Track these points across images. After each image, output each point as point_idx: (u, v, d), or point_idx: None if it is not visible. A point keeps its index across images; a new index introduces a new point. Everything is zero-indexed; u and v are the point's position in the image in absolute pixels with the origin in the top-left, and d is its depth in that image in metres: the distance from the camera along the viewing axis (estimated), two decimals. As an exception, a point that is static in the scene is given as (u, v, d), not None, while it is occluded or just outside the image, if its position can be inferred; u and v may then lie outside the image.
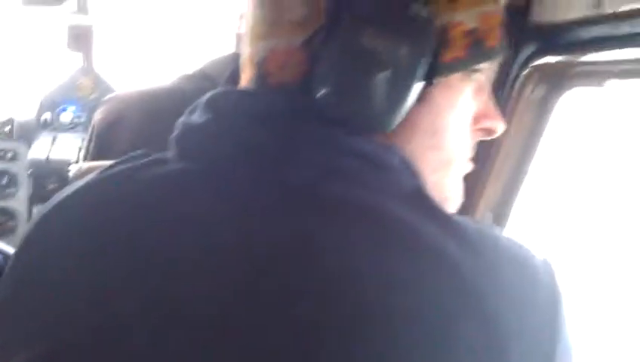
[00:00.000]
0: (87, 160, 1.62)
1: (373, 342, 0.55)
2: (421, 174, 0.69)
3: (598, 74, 1.09)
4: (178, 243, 0.61)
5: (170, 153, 0.69)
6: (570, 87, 1.17)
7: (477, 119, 0.73)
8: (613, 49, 0.95)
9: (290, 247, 0.58)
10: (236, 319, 0.56)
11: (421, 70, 0.63)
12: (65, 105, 3.14)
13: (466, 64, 0.68)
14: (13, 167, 2.97)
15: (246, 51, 0.70)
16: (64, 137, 3.03)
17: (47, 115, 3.08)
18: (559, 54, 1.12)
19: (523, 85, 1.20)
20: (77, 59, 3.15)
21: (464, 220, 0.63)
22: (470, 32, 0.67)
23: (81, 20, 2.96)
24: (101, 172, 0.71)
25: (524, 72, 1.18)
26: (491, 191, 1.33)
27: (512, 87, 1.21)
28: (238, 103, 0.68)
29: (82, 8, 3.00)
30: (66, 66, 3.20)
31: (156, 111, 1.48)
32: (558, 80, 1.17)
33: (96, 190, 0.68)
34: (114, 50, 3.25)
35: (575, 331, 0.64)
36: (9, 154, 2.99)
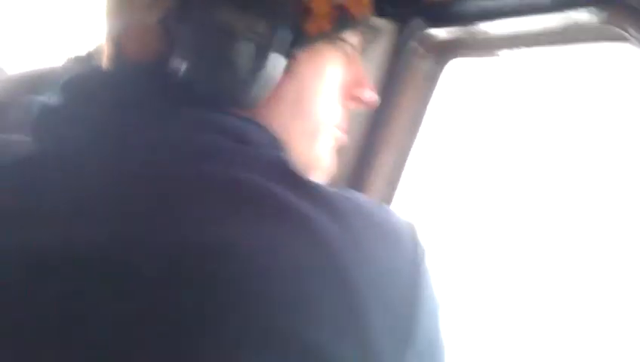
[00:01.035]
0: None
1: (233, 305, 0.54)
2: (287, 144, 0.70)
3: (480, 45, 1.16)
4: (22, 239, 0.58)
5: (28, 136, 0.66)
6: (454, 58, 1.24)
7: (346, 88, 0.75)
8: (491, 20, 1.02)
9: (153, 229, 0.57)
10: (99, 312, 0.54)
11: (281, 42, 0.65)
12: None
13: (330, 35, 0.70)
14: None
15: (104, 28, 0.69)
16: None
17: None
18: (443, 26, 1.18)
19: (409, 57, 1.25)
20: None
21: (328, 188, 0.64)
22: (338, 5, 0.69)
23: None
24: None
25: (411, 45, 1.24)
26: (383, 162, 1.38)
27: (399, 59, 1.26)
28: (93, 86, 0.66)
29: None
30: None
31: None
32: (442, 51, 1.24)
33: None
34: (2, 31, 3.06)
35: (441, 287, 0.66)
36: None
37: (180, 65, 0.63)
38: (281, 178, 0.62)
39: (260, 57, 0.63)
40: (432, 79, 1.28)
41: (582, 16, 0.86)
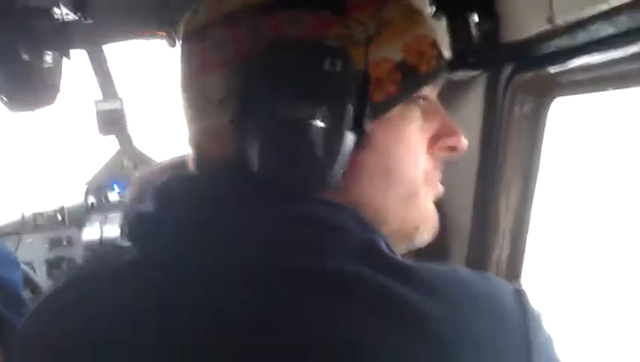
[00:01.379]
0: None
1: None
2: (385, 215, 0.69)
3: (577, 82, 1.07)
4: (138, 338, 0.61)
5: (127, 243, 0.70)
6: (553, 98, 1.16)
7: (435, 140, 0.72)
8: (573, 59, 0.94)
9: (256, 325, 0.58)
10: None
11: (348, 120, 0.64)
12: (111, 186, 3.25)
13: (400, 98, 0.68)
14: (69, 253, 3.09)
15: (187, 134, 0.73)
16: (113, 217, 3.14)
17: (92, 199, 3.20)
18: (536, 69, 1.11)
19: (510, 105, 1.19)
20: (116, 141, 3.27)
21: (422, 264, 0.62)
22: (398, 65, 0.67)
23: (108, 105, 3.07)
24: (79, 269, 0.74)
25: (508, 92, 1.18)
26: (502, 212, 1.32)
27: (501, 109, 1.20)
28: (182, 188, 0.69)
29: (109, 93, 3.12)
30: (108, 148, 3.33)
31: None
32: (541, 92, 1.16)
33: (64, 294, 0.70)
34: (153, 123, 3.36)
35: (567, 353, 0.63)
36: (64, 241, 3.12)
37: (254, 162, 0.65)
38: (374, 262, 0.61)
39: (328, 140, 0.63)
40: (536, 120, 1.20)
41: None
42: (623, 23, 0.80)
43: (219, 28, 0.68)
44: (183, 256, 0.64)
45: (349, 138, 0.64)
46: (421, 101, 0.70)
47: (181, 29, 0.73)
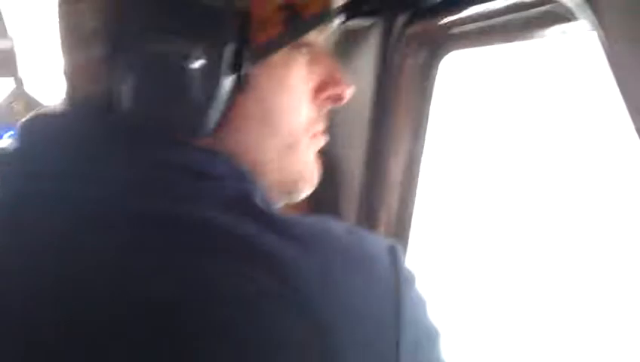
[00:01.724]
0: None
1: (201, 355, 0.53)
2: (264, 163, 0.66)
3: (468, 35, 1.07)
4: None
5: None
6: (449, 51, 1.15)
7: (319, 89, 0.69)
8: (463, 9, 0.93)
9: (100, 273, 0.56)
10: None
11: (226, 61, 0.60)
12: (0, 132, 3.09)
13: (283, 42, 0.64)
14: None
15: (61, 70, 0.68)
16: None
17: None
18: (428, 19, 1.10)
19: (402, 55, 1.18)
20: (8, 84, 3.10)
21: (294, 217, 0.60)
22: (283, 6, 0.63)
23: (2, 44, 2.90)
24: None
25: (401, 43, 1.16)
26: (393, 169, 1.32)
27: (391, 58, 1.19)
28: (45, 127, 0.65)
29: (1, 32, 2.94)
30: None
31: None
32: (434, 45, 1.15)
33: None
34: (43, 69, 3.20)
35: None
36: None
37: (126, 101, 0.60)
38: (244, 213, 0.58)
39: (204, 82, 0.59)
40: (428, 74, 1.19)
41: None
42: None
43: None
44: (39, 200, 0.60)
45: (227, 81, 0.60)
46: (305, 47, 0.66)
47: None
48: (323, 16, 0.67)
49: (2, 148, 0.67)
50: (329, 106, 0.71)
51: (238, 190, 0.61)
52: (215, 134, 0.62)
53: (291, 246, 0.56)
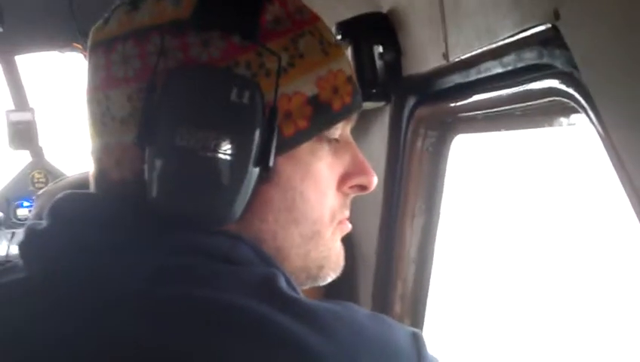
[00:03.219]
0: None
1: None
2: (287, 251, 0.67)
3: (475, 120, 1.09)
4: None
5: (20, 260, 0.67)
6: (456, 134, 1.17)
7: (345, 178, 0.69)
8: (468, 95, 0.95)
9: (124, 355, 0.56)
10: None
11: (253, 154, 0.61)
12: (20, 201, 3.13)
13: (310, 134, 0.65)
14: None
15: (90, 147, 0.69)
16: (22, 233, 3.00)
17: (-1, 214, 3.06)
18: (436, 103, 1.12)
19: (413, 136, 1.20)
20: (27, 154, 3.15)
21: (319, 304, 0.60)
22: (310, 100, 0.64)
23: (19, 117, 2.95)
24: None
25: (411, 125, 1.18)
26: (408, 243, 1.32)
27: (402, 139, 1.21)
28: (75, 208, 0.66)
29: (20, 104, 3.01)
30: (17, 162, 3.21)
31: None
32: (443, 128, 1.17)
33: None
34: (64, 137, 3.25)
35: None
36: (-32, 258, 2.97)
37: (154, 189, 0.61)
38: (268, 298, 0.58)
39: (232, 173, 0.60)
40: (439, 155, 1.21)
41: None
42: (510, 62, 0.81)
43: (127, 42, 0.64)
44: (65, 280, 0.61)
45: (254, 172, 0.61)
46: (333, 139, 0.67)
47: (89, 38, 0.68)
48: (350, 108, 0.67)
49: (31, 226, 0.67)
50: (355, 193, 0.71)
51: (262, 274, 0.61)
52: (239, 222, 0.64)
53: (317, 336, 0.56)
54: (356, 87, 0.68)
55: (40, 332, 0.60)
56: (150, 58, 0.63)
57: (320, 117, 0.64)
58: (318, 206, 0.67)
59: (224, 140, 0.60)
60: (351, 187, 0.70)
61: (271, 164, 0.62)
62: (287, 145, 0.63)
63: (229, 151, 0.60)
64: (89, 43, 0.68)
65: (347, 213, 0.72)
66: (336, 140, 0.68)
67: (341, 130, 0.68)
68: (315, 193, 0.67)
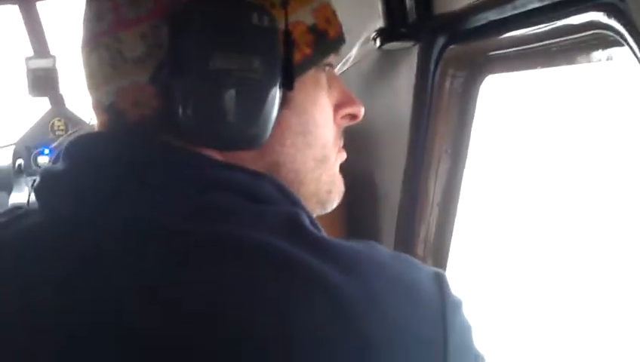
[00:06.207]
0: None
1: None
2: (302, 175, 0.70)
3: (507, 58, 1.06)
4: (34, 303, 0.60)
5: (35, 204, 0.67)
6: (487, 74, 1.15)
7: (337, 108, 0.74)
8: (502, 32, 0.93)
9: (158, 294, 0.57)
10: None
11: (277, 77, 0.64)
12: (41, 149, 3.14)
13: (314, 60, 0.69)
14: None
15: (92, 99, 0.69)
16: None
17: (20, 161, 3.08)
18: (467, 42, 1.10)
19: (441, 77, 1.18)
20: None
21: (343, 243, 0.61)
22: (310, 29, 0.69)
23: (39, 63, 2.94)
24: None
25: (440, 66, 1.16)
26: (432, 187, 1.31)
27: (430, 80, 1.19)
28: (93, 148, 0.67)
29: (40, 51, 2.99)
30: (37, 108, 3.20)
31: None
32: (473, 68, 1.15)
33: None
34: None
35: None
36: (-11, 205, 3.00)
37: (188, 115, 0.62)
38: (293, 236, 0.60)
39: (259, 94, 0.64)
40: (467, 97, 1.19)
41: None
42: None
43: None
44: (84, 222, 0.62)
45: (276, 94, 0.64)
46: (327, 67, 0.72)
47: None
48: (342, 38, 0.73)
49: (48, 169, 0.68)
50: (345, 124, 0.76)
51: (288, 214, 0.64)
52: (263, 149, 0.67)
53: (341, 274, 0.57)
54: (340, 24, 0.73)
55: (64, 271, 0.60)
56: None
57: (320, 44, 0.70)
58: (326, 130, 0.72)
59: (254, 62, 0.63)
60: (343, 117, 0.75)
61: (291, 86, 0.65)
62: (297, 71, 0.67)
63: (259, 73, 0.63)
64: None
65: (342, 143, 0.77)
66: (329, 70, 0.73)
67: (332, 59, 0.73)
68: (322, 118, 0.71)
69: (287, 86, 0.65)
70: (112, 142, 0.66)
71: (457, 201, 1.34)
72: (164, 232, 0.60)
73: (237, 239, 0.59)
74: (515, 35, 0.92)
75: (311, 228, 0.62)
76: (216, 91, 0.62)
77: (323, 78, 0.71)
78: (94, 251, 0.60)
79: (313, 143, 0.71)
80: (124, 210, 0.62)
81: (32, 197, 2.38)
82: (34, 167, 3.11)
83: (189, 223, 0.60)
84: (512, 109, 1.32)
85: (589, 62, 0.84)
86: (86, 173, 0.65)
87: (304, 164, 0.71)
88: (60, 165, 0.67)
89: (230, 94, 0.62)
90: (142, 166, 0.64)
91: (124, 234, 0.60)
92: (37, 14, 2.95)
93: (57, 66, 2.97)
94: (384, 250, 0.64)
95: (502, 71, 1.11)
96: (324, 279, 0.57)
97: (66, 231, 0.63)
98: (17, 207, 0.72)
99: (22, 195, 2.99)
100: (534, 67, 0.98)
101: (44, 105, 3.17)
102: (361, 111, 0.76)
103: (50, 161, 3.04)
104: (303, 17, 0.69)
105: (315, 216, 0.70)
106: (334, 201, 0.75)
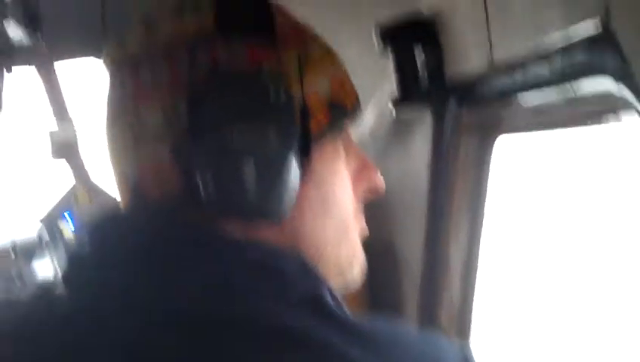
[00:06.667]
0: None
1: None
2: (323, 249, 0.69)
3: (519, 122, 1.08)
4: None
5: (62, 288, 0.67)
6: (499, 134, 1.16)
7: (356, 179, 0.73)
8: (513, 98, 0.94)
9: None
10: None
11: (296, 149, 0.64)
12: (61, 213, 3.13)
13: (332, 129, 0.69)
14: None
15: (115, 173, 0.70)
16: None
17: (45, 236, 3.08)
18: (480, 107, 1.11)
19: (455, 140, 1.19)
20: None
21: (365, 320, 0.62)
22: (327, 98, 0.69)
23: (60, 128, 2.96)
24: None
25: (454, 130, 1.17)
26: (453, 252, 1.31)
27: (445, 144, 1.20)
28: (119, 231, 0.67)
29: (61, 116, 3.01)
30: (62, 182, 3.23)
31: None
32: (486, 129, 1.16)
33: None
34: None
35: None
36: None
37: (202, 195, 0.63)
38: (317, 314, 0.61)
39: (278, 166, 0.64)
40: (482, 158, 1.20)
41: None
42: (557, 65, 0.80)
43: (154, 59, 0.66)
44: (113, 308, 0.62)
45: (295, 165, 0.65)
46: (344, 137, 0.72)
47: (106, 61, 0.70)
48: (358, 108, 0.73)
49: (75, 256, 0.68)
50: (367, 197, 0.75)
51: (308, 292, 0.63)
52: (283, 224, 0.66)
53: (365, 352, 0.57)
54: (356, 92, 0.73)
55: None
56: (181, 71, 0.65)
57: (336, 114, 0.69)
58: (344, 201, 0.71)
59: (272, 137, 0.63)
60: (363, 187, 0.74)
61: (310, 157, 0.66)
62: (314, 140, 0.67)
63: (278, 148, 0.63)
64: (108, 66, 0.70)
65: (363, 219, 0.75)
66: (346, 140, 0.72)
67: (349, 128, 0.73)
68: (341, 188, 0.71)
69: (305, 153, 0.65)
70: (135, 225, 0.67)
71: (477, 264, 1.33)
72: (186, 316, 0.60)
73: (255, 320, 0.59)
74: (526, 100, 0.93)
75: (333, 305, 0.62)
76: (237, 165, 0.62)
77: (340, 148, 0.71)
78: (118, 332, 0.60)
79: (333, 214, 0.70)
80: (145, 294, 0.62)
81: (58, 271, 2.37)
82: (58, 239, 3.11)
83: (209, 305, 0.60)
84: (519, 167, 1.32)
85: (599, 123, 0.85)
86: (111, 258, 0.65)
87: (324, 237, 0.70)
88: (85, 249, 0.67)
89: (250, 167, 0.63)
90: (162, 248, 0.64)
91: (147, 316, 0.60)
92: (55, 77, 2.93)
93: (76, 131, 3.01)
94: (409, 327, 0.65)
95: (514, 131, 1.12)
96: (347, 360, 0.56)
97: (93, 319, 0.62)
98: (45, 290, 0.72)
99: (45, 263, 3.00)
100: (544, 128, 0.99)
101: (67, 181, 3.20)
102: (380, 183, 0.75)
103: (73, 234, 3.07)
104: (318, 88, 0.69)
105: (337, 290, 0.69)
106: (356, 276, 0.74)
